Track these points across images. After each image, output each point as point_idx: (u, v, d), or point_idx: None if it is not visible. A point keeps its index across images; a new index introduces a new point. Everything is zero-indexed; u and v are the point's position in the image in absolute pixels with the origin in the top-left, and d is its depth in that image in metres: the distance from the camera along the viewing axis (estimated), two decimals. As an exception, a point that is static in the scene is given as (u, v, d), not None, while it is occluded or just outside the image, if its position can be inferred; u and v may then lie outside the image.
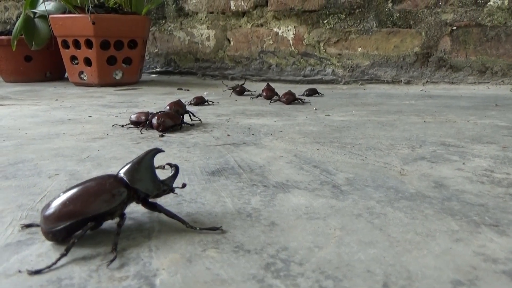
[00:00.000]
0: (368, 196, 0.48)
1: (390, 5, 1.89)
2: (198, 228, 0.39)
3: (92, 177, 0.41)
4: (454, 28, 1.80)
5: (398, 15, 1.88)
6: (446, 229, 0.39)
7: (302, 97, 1.43)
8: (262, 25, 2.17)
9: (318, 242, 0.36)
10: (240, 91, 1.68)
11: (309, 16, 2.05)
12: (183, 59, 2.42)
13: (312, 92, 1.57)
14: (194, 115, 0.96)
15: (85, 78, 2.05)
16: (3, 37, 2.23)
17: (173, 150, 0.70)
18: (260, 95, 1.52)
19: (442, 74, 1.86)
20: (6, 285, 0.30)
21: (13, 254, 0.35)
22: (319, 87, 1.90)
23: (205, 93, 1.75)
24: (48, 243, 0.36)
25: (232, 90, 1.68)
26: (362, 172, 0.58)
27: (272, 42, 2.16)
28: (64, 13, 2.06)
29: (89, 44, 1.97)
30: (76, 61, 2.06)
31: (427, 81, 1.88)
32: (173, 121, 0.86)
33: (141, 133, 0.85)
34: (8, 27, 2.86)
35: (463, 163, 0.62)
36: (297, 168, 0.60)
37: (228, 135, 0.82)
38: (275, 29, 2.14)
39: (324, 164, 0.62)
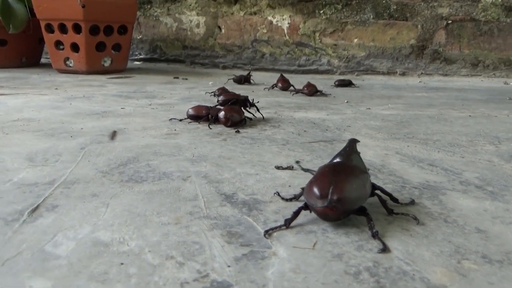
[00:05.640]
0: (529, 197, 0.49)
1: (388, -3, 1.92)
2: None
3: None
4: (450, 22, 1.86)
5: (395, 7, 1.92)
6: None
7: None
8: (255, 13, 2.13)
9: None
10: (243, 80, 1.65)
11: (305, 5, 2.04)
12: (170, 46, 2.34)
13: (344, 83, 1.59)
14: (258, 110, 0.92)
15: (71, 65, 1.93)
16: (-25, 18, 2.04)
17: (272, 148, 0.68)
18: (275, 85, 1.50)
19: (436, 66, 1.92)
20: None
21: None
22: (315, 77, 1.91)
23: (210, 83, 1.71)
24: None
25: (232, 79, 1.66)
26: (480, 171, 0.59)
27: (266, 31, 2.14)
28: (49, -6, 1.92)
29: (77, 28, 1.85)
30: (61, 47, 1.93)
31: (421, 73, 1.94)
32: (240, 116, 0.83)
33: (210, 128, 0.81)
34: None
35: None
36: (417, 167, 0.60)
37: (304, 131, 0.81)
38: (269, 18, 2.12)
39: (435, 162, 0.63)
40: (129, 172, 0.55)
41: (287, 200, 0.45)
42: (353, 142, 0.47)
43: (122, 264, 0.34)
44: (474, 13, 1.83)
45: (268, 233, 0.39)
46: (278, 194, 0.46)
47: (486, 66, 1.86)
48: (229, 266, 0.33)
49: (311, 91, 1.35)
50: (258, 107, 0.92)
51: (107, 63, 1.97)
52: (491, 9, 1.80)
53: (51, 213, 0.43)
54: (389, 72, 1.98)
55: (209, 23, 2.23)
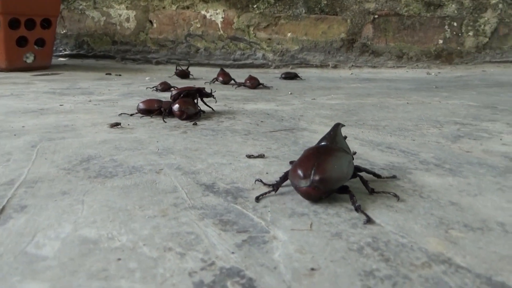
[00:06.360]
0: (480, 174, 0.53)
1: (319, -8, 1.98)
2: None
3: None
4: (376, 16, 1.96)
5: (325, 2, 1.99)
6: None
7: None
8: (188, 8, 2.10)
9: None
10: (184, 74, 1.63)
11: (238, 0, 2.05)
12: (98, 41, 2.23)
13: (290, 76, 1.61)
14: (205, 103, 0.91)
15: (-12, 61, 1.77)
16: None
17: (236, 138, 0.68)
18: (215, 79, 1.49)
19: (365, 59, 2.02)
20: None
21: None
22: (251, 71, 1.93)
23: (147, 79, 1.66)
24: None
25: (174, 73, 1.63)
26: (433, 151, 0.63)
27: (199, 26, 2.12)
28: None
29: (-5, 22, 1.71)
30: (-23, 42, 1.77)
31: (352, 65, 2.03)
32: (195, 108, 0.82)
33: (165, 121, 0.79)
34: None
35: (500, 139, 0.71)
36: (378, 150, 0.63)
37: (261, 121, 0.81)
38: (202, 12, 2.10)
39: (391, 145, 0.66)
40: (94, 168, 0.52)
41: (269, 185, 0.45)
42: (337, 126, 0.48)
43: (119, 259, 0.32)
44: (398, 8, 1.94)
45: (259, 199, 0.42)
46: (261, 181, 0.46)
47: (410, 58, 1.99)
48: (233, 253, 0.33)
49: (254, 84, 1.35)
50: (205, 100, 0.90)
51: (29, 59, 1.84)
52: (412, 4, 1.93)
53: (21, 214, 0.39)
54: (322, 65, 2.04)
55: (139, 17, 2.16)
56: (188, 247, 0.34)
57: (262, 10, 2.03)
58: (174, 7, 2.11)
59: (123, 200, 0.43)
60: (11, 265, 0.31)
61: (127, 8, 2.15)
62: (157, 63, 2.15)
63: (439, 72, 1.89)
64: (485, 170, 0.54)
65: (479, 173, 0.53)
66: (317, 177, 0.40)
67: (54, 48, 2.28)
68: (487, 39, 1.91)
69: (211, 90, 0.90)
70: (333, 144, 0.46)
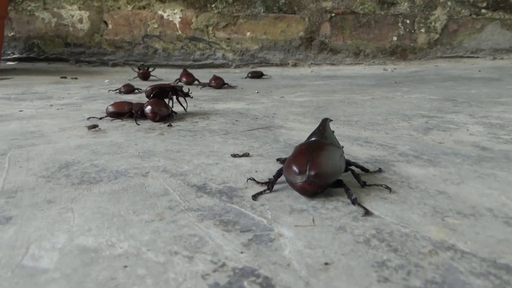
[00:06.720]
0: (457, 163, 0.55)
1: (277, -9, 2.00)
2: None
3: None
4: (333, 15, 2.00)
5: (283, 1, 2.01)
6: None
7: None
8: (144, 8, 2.06)
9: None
10: (146, 76, 1.60)
11: (196, 0, 2.03)
12: (50, 43, 2.14)
13: (257, 75, 1.61)
14: (173, 105, 0.89)
15: None
16: None
17: (215, 138, 0.67)
18: (179, 80, 1.47)
19: (324, 57, 2.06)
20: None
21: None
22: (211, 72, 1.91)
23: (106, 81, 1.61)
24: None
25: (137, 75, 1.59)
26: (408, 143, 0.65)
27: (157, 26, 2.08)
28: None
29: None
30: None
31: (311, 63, 2.06)
32: (167, 109, 0.80)
33: (138, 124, 0.77)
34: None
35: (467, 129, 0.74)
36: (357, 144, 0.64)
37: (236, 120, 0.81)
38: (159, 12, 2.06)
39: (368, 139, 0.68)
40: (76, 174, 0.50)
41: (263, 184, 0.45)
42: (325, 121, 0.49)
43: (126, 266, 0.31)
44: (354, 7, 1.99)
45: (256, 197, 0.42)
46: (253, 179, 0.46)
47: (367, 55, 2.04)
48: (242, 253, 0.33)
49: (219, 83, 1.35)
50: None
51: (-23, 64, 1.74)
52: (367, 2, 1.98)
53: (8, 225, 0.37)
54: (282, 64, 2.06)
55: (93, 18, 2.09)
56: (194, 249, 0.33)
57: (220, 10, 2.02)
58: (129, 7, 2.06)
59: (115, 206, 0.41)
60: (11, 280, 0.29)
61: (79, 8, 2.07)
62: (114, 65, 2.09)
63: (395, 68, 1.95)
64: (461, 159, 0.57)
65: (456, 162, 0.55)
66: (313, 172, 0.41)
67: (2, 52, 2.17)
68: (438, 35, 1.99)
69: (189, 90, 0.89)
70: (323, 139, 0.47)
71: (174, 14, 2.05)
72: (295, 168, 0.42)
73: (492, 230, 0.36)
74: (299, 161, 0.42)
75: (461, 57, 2.00)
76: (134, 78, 1.62)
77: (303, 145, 0.46)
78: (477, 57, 2.00)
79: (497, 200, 0.42)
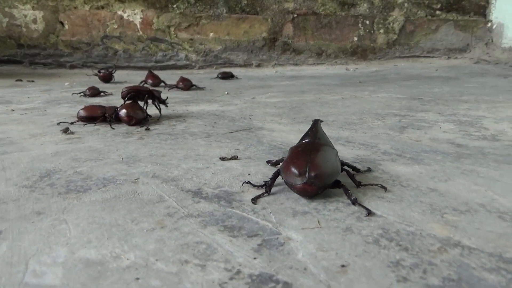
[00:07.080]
0: (439, 160, 0.57)
1: (239, -8, 1.99)
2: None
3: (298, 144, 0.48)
4: (295, 16, 2.03)
5: (246, 2, 2.01)
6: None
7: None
8: (103, 8, 2.00)
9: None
10: (108, 78, 1.55)
11: (157, 0, 1.99)
12: (1, 45, 2.04)
13: (227, 76, 1.60)
14: (147, 108, 0.87)
15: None
16: None
17: (198, 141, 0.66)
18: (144, 82, 1.44)
19: (287, 57, 2.07)
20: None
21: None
22: (175, 73, 1.89)
23: (66, 84, 1.55)
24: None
25: (98, 76, 1.54)
26: (388, 142, 0.67)
27: (116, 27, 2.02)
28: None
29: None
30: None
31: (275, 64, 2.07)
32: (143, 113, 0.78)
33: (112, 128, 0.74)
34: None
35: (440, 127, 0.77)
36: (339, 144, 0.65)
37: (214, 122, 0.80)
38: (119, 12, 2.01)
39: (348, 139, 0.69)
40: (60, 182, 0.48)
41: (260, 187, 0.45)
42: (316, 122, 0.49)
43: (138, 279, 0.30)
44: (315, 8, 2.02)
45: (255, 201, 0.42)
46: (249, 183, 0.46)
47: (329, 55, 2.08)
48: (255, 258, 0.32)
49: (187, 85, 1.33)
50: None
51: None
52: (328, 3, 2.02)
53: (-1, 241, 0.35)
54: (246, 64, 2.06)
55: (48, 18, 2.01)
56: (204, 257, 0.32)
57: (182, 10, 2.00)
58: (87, 7, 1.99)
59: (110, 215, 0.39)
60: (16, 300, 0.27)
61: (33, 8, 1.98)
62: (72, 67, 2.02)
63: (357, 68, 2.00)
64: (441, 156, 0.59)
65: (437, 160, 0.57)
66: (313, 173, 0.41)
67: (-51, 54, 2.04)
68: (396, 36, 2.06)
69: (167, 98, 0.87)
70: (316, 140, 0.47)
71: (135, 14, 2.00)
72: (294, 170, 0.41)
73: (490, 225, 0.37)
74: (298, 162, 0.42)
75: (418, 56, 2.08)
76: (90, 78, 1.57)
77: (299, 146, 0.46)
78: (433, 57, 2.08)
79: (486, 196, 0.44)
